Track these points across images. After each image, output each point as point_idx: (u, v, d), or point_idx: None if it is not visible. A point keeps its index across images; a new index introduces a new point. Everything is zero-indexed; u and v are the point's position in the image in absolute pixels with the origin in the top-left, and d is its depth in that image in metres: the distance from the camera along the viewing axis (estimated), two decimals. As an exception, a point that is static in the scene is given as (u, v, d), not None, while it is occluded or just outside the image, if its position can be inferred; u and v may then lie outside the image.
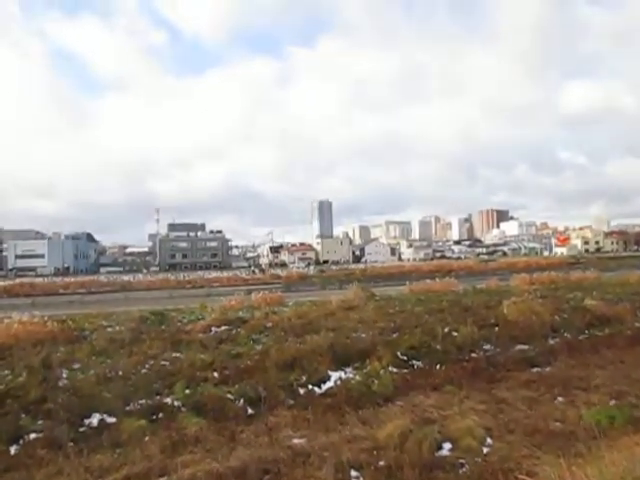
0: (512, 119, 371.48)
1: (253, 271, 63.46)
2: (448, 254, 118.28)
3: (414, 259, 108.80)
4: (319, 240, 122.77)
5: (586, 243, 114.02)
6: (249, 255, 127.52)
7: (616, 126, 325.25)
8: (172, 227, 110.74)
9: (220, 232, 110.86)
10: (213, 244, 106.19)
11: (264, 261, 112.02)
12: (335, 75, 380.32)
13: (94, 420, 5.86)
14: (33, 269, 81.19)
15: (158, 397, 6.57)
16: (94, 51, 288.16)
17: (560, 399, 6.16)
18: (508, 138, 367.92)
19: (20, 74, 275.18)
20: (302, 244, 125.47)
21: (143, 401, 6.40)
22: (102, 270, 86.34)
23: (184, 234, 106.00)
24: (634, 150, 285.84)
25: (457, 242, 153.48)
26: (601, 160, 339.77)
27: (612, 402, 5.85)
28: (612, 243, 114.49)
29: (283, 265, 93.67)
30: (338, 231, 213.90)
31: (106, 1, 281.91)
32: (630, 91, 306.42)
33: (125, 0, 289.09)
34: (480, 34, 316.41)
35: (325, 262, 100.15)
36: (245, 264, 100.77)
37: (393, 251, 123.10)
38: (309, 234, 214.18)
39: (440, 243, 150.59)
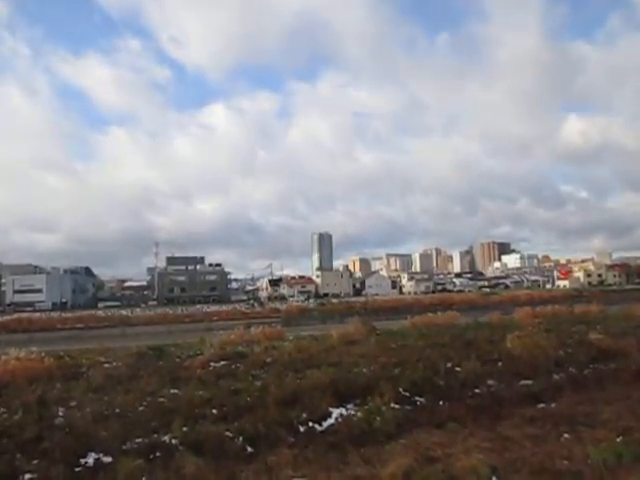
0: (512, 153, 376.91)
1: (252, 305, 63.05)
2: (449, 287, 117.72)
3: (415, 292, 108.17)
4: (319, 273, 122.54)
5: (589, 276, 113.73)
6: (248, 288, 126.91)
7: (616, 161, 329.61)
8: (171, 261, 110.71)
9: (219, 265, 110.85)
10: (212, 277, 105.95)
11: (263, 294, 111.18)
12: (336, 109, 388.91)
13: (90, 460, 5.76)
14: (31, 304, 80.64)
15: (155, 435, 6.47)
16: (98, 87, 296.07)
17: (566, 436, 6.06)
18: (509, 171, 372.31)
19: (25, 109, 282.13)
20: (302, 277, 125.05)
21: (140, 440, 6.30)
22: (100, 305, 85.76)
23: (183, 268, 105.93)
24: (634, 184, 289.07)
25: (458, 275, 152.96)
26: (602, 194, 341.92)
27: (619, 439, 5.76)
28: (615, 276, 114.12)
29: (282, 298, 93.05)
30: (338, 264, 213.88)
31: (111, 40, 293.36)
32: (628, 126, 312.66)
33: (129, 39, 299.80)
34: (480, 69, 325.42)
35: (325, 295, 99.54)
36: (244, 297, 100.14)
37: (394, 284, 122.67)
38: (309, 267, 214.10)
39: (441, 276, 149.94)
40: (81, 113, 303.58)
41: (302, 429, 6.75)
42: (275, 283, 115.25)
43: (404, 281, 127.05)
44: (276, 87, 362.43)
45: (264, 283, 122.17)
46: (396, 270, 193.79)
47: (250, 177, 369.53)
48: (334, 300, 75.73)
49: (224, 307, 56.66)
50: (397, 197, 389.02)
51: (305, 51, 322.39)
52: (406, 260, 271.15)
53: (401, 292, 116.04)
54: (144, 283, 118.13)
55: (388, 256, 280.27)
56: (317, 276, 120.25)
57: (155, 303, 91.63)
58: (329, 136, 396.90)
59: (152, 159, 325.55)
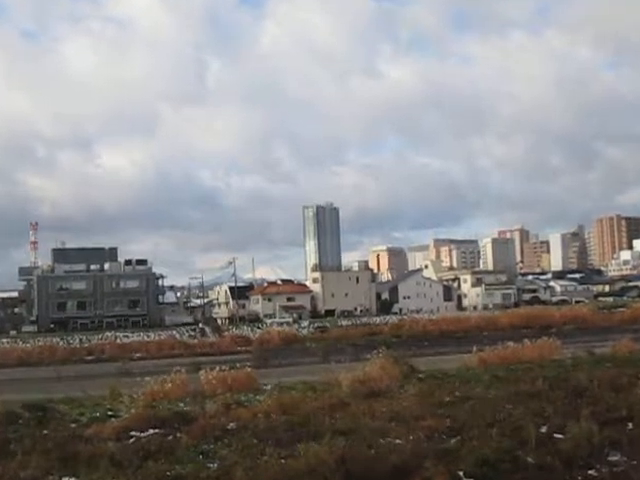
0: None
1: (202, 331, 63.41)
2: (544, 295, 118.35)
3: (485, 306, 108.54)
4: (317, 275, 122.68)
5: None
6: (195, 303, 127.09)
7: None
8: (60, 255, 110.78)
9: (144, 263, 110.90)
10: (132, 284, 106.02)
11: (221, 313, 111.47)
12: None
13: None
14: None
15: None
16: None
17: None
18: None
19: None
20: (287, 282, 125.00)
21: None
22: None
23: (82, 268, 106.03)
24: None
25: (559, 275, 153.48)
26: None
27: None
28: None
29: (255, 320, 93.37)
30: (351, 259, 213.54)
31: None
32: None
33: None
34: None
35: (329, 314, 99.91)
36: (188, 319, 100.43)
37: (448, 292, 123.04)
38: (300, 265, 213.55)
39: (530, 277, 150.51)
40: None
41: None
42: (242, 293, 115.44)
43: (466, 287, 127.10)
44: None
45: (222, 293, 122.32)
46: (452, 268, 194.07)
47: (197, 108, 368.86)
48: (344, 322, 75.61)
49: (153, 335, 56.80)
50: (452, 141, 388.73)
51: None
52: (469, 250, 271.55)
53: (461, 306, 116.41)
54: (14, 294, 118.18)
55: (437, 244, 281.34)
56: (314, 280, 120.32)
57: (34, 328, 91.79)
58: (331, 36, 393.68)
59: (26, 78, 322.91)
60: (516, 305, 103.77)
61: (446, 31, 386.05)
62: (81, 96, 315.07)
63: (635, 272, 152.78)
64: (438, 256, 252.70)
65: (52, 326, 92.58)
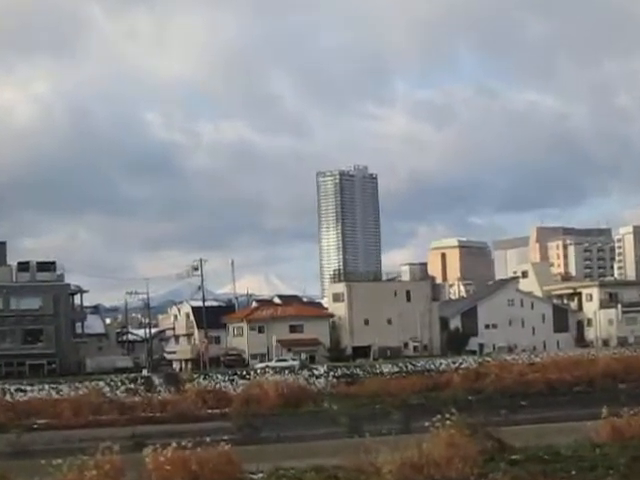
0: None
1: (148, 381, 63.86)
2: None
3: (623, 339, 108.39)
4: (341, 288, 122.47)
5: None
6: (135, 335, 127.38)
7: None
8: None
9: (51, 267, 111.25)
10: (31, 303, 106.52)
11: (180, 352, 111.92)
12: None
13: None
14: None
15: None
16: None
17: None
18: None
19: None
20: (290, 300, 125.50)
21: None
22: None
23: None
24: None
25: None
26: None
27: None
28: None
29: (234, 363, 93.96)
30: (397, 260, 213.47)
31: None
32: None
33: None
34: None
35: (360, 353, 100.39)
36: (124, 362, 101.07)
37: (562, 316, 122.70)
38: (311, 272, 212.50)
39: None
40: None
41: None
42: (215, 319, 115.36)
43: (591, 308, 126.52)
44: None
45: (181, 319, 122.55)
46: (567, 277, 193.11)
47: (140, 8, 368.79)
48: (386, 367, 75.38)
49: (66, 388, 57.24)
50: (572, 68, 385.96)
51: None
52: (596, 247, 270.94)
53: (583, 339, 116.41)
54: None
55: (544, 236, 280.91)
56: (336, 298, 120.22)
57: None
58: None
59: None
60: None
61: None
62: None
63: None
64: (545, 257, 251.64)
65: None
